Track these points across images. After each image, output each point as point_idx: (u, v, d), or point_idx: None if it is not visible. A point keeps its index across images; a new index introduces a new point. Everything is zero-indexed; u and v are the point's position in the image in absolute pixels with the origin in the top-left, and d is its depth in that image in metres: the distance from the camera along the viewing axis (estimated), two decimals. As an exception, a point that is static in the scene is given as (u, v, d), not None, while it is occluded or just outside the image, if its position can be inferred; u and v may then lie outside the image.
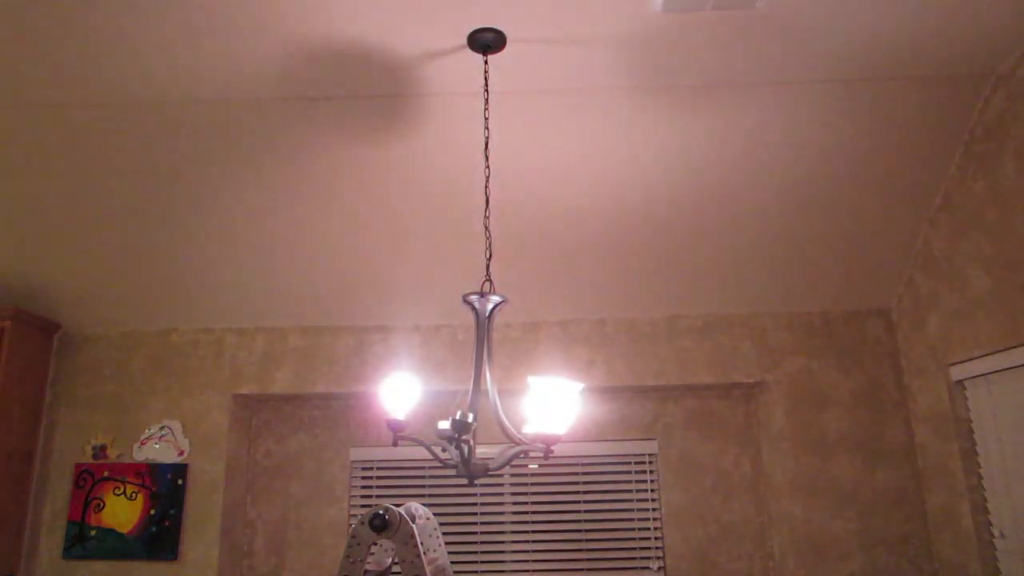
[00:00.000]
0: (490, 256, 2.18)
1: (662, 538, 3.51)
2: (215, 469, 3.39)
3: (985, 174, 2.71)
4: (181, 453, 3.42)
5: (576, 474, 3.61)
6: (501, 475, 3.62)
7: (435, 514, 3.44)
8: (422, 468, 3.64)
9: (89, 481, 3.40)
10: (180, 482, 3.37)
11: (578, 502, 3.57)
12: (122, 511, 3.36)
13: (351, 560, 1.89)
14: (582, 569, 3.49)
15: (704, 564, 3.45)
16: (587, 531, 3.54)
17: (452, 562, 3.51)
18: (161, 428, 3.46)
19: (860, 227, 3.13)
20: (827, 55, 2.46)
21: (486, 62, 2.38)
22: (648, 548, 3.51)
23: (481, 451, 3.55)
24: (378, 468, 3.65)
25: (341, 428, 3.68)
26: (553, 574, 3.49)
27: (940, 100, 2.69)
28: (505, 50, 2.38)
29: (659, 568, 3.47)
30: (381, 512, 1.88)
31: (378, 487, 3.64)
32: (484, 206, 2.96)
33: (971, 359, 2.86)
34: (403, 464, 3.65)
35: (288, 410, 3.72)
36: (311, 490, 3.60)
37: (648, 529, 3.53)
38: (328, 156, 2.85)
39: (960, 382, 3.00)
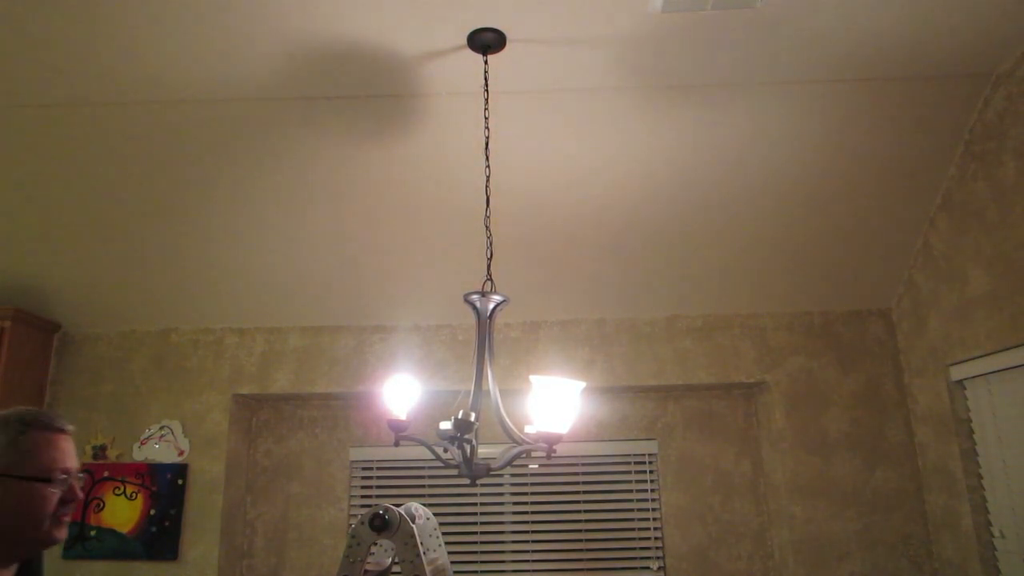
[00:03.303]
0: (491, 256, 2.18)
1: (662, 538, 3.50)
2: (215, 469, 3.39)
3: (985, 174, 2.71)
4: (181, 453, 3.42)
5: (576, 474, 3.60)
6: (501, 475, 3.62)
7: (435, 514, 3.43)
8: (422, 468, 3.64)
9: (89, 481, 3.39)
10: (180, 482, 3.37)
11: (578, 502, 3.57)
12: (122, 511, 3.36)
13: (351, 560, 1.89)
14: (582, 569, 3.49)
15: (704, 564, 3.45)
16: (587, 531, 3.53)
17: (452, 562, 3.50)
18: (161, 428, 3.45)
19: (860, 227, 3.14)
20: (827, 55, 2.46)
21: (486, 62, 2.38)
22: (648, 548, 3.51)
23: (482, 451, 3.55)
24: (378, 468, 3.65)
25: (341, 428, 3.68)
26: (553, 574, 3.49)
27: (940, 100, 2.69)
28: (505, 50, 2.38)
29: (659, 568, 3.47)
30: (381, 512, 1.88)
31: (378, 487, 3.64)
32: (484, 206, 2.96)
33: (971, 359, 2.86)
34: (403, 464, 3.65)
35: (288, 410, 3.72)
36: (311, 490, 3.60)
37: (648, 529, 3.53)
38: (328, 156, 2.85)
39: (960, 382, 3.00)
